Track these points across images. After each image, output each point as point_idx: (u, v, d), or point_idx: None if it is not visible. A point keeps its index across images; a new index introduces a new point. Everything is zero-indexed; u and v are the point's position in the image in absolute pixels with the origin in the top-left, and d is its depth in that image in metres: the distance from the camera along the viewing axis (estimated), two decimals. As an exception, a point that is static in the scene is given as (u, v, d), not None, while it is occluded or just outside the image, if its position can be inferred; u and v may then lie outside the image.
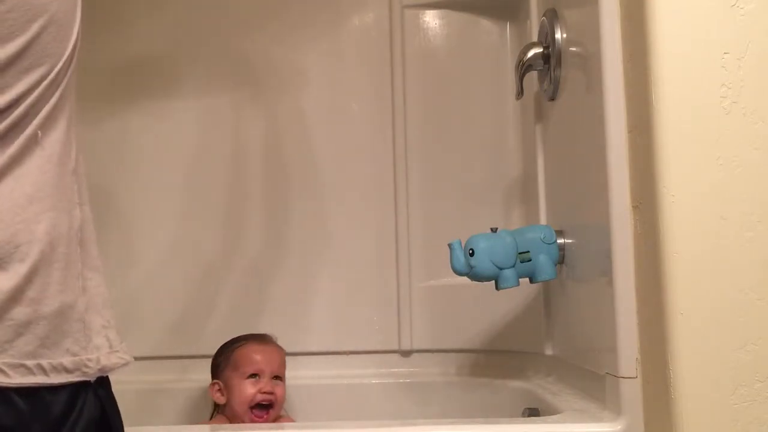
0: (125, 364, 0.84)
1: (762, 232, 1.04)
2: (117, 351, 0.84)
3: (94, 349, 0.81)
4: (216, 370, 1.59)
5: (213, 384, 1.58)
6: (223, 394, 1.55)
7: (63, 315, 0.79)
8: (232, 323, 1.78)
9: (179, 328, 1.81)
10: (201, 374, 1.67)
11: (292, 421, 1.63)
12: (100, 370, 0.81)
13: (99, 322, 0.83)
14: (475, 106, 1.85)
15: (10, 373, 0.74)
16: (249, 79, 1.88)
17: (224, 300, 1.82)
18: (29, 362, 0.75)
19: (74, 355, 0.79)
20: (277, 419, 1.57)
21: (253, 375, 1.54)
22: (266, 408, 1.53)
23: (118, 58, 1.84)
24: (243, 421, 1.51)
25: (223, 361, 1.58)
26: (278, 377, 1.56)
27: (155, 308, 1.81)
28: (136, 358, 0.86)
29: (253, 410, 1.52)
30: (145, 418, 1.66)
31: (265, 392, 1.52)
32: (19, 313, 0.76)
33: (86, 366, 0.80)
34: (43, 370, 0.76)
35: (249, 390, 1.52)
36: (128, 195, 1.85)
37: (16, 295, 0.76)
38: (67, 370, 0.78)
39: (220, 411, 1.59)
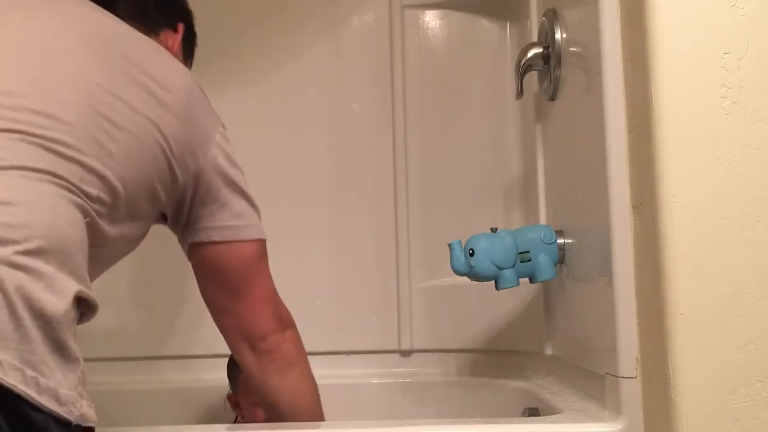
0: (95, 423, 0.82)
1: (762, 232, 1.04)
2: (91, 406, 0.82)
3: (80, 395, 0.80)
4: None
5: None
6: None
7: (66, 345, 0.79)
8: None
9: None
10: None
11: None
12: (80, 416, 0.79)
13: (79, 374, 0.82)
14: (475, 106, 1.85)
15: (9, 371, 0.74)
16: (248, 79, 1.88)
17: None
18: (28, 371, 0.74)
19: (69, 389, 0.78)
20: None
21: None
22: None
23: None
24: None
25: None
26: None
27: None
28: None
29: None
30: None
31: None
32: (31, 321, 0.76)
33: (74, 406, 0.78)
34: (37, 386, 0.75)
35: None
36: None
37: (32, 304, 0.76)
38: (58, 401, 0.76)
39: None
